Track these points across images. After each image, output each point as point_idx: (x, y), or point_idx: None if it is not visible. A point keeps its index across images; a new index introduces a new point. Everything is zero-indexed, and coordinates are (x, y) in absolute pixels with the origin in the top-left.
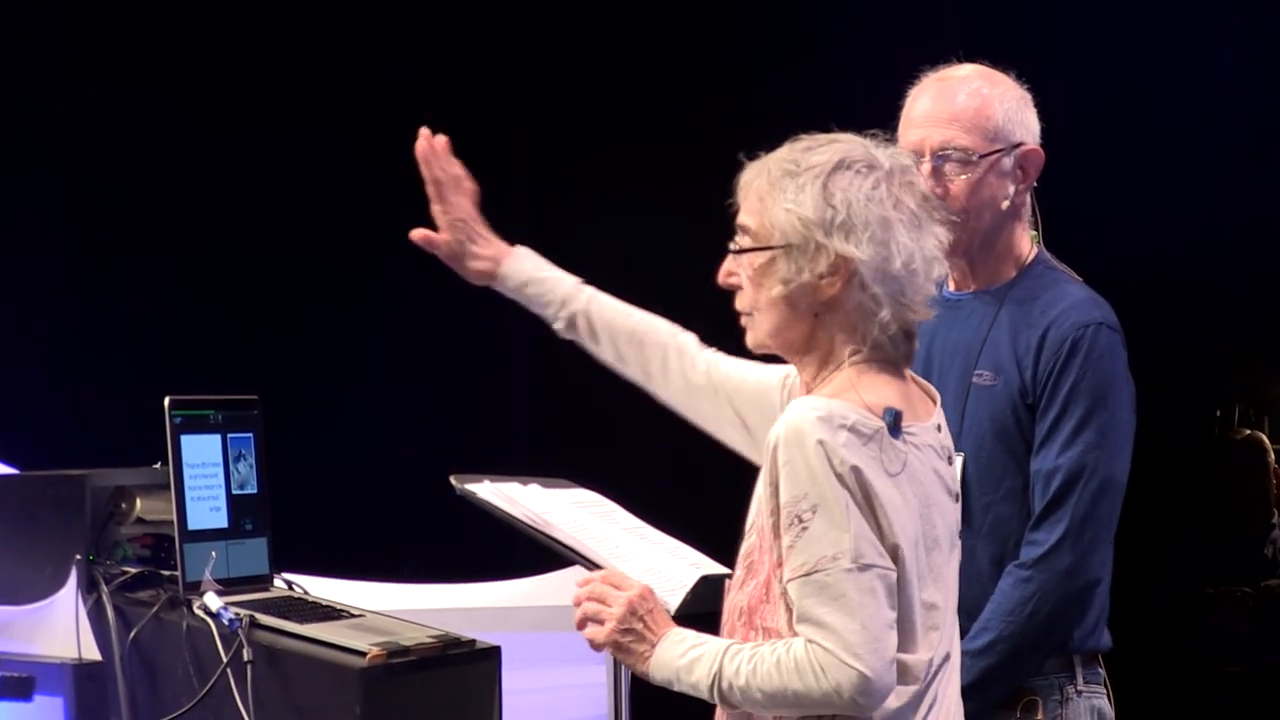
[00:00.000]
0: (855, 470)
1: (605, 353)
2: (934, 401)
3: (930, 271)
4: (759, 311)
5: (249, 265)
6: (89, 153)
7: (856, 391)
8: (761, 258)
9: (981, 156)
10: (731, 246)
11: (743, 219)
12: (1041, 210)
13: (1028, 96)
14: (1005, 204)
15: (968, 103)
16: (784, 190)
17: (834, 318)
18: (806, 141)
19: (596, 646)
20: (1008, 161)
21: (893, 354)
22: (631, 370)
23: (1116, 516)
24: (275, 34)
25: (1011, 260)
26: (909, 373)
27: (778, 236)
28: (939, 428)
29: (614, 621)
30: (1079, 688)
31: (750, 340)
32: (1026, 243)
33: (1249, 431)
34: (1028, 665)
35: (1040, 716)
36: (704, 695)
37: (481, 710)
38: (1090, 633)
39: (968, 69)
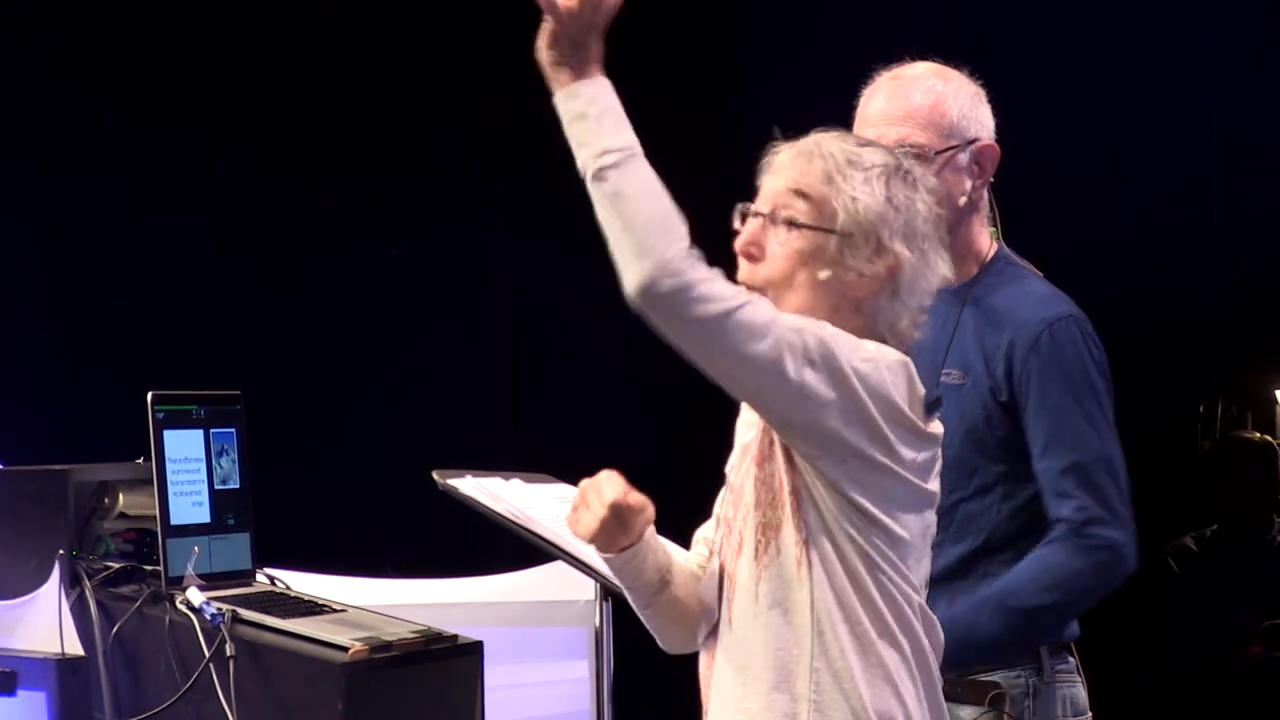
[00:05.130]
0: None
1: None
2: None
3: (931, 294)
4: (786, 289)
5: (233, 261)
6: (74, 151)
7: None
8: (816, 237)
9: (937, 153)
10: (781, 215)
11: (802, 186)
12: (1001, 206)
13: (982, 93)
14: (962, 200)
15: (922, 100)
16: (850, 179)
17: (854, 317)
18: (841, 133)
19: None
20: (963, 158)
21: None
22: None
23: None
24: (263, 36)
25: (971, 257)
26: None
27: (841, 222)
28: None
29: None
30: (1046, 679)
31: None
32: (986, 239)
33: (1259, 435)
34: (1046, 636)
35: (1008, 710)
36: (583, 157)
37: (464, 705)
38: None
39: (921, 67)
